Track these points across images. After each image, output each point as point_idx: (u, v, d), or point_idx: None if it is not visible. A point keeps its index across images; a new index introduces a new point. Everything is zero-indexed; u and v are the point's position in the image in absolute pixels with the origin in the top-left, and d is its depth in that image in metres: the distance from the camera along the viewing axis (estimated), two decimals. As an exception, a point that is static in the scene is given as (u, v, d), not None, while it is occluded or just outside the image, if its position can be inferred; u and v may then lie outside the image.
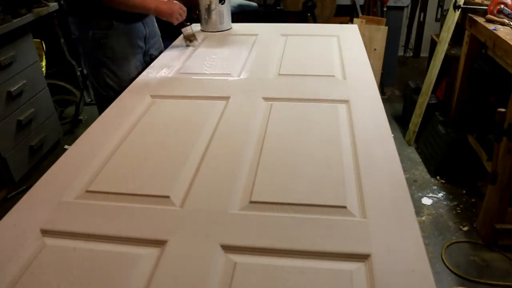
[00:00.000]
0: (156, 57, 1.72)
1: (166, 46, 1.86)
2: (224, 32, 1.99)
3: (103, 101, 1.35)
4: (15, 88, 2.22)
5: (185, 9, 1.72)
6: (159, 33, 1.90)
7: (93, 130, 1.12)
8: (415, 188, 2.31)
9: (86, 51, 1.64)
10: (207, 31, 1.97)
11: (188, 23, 1.75)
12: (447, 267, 1.78)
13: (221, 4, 1.90)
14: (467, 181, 2.30)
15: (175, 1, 1.69)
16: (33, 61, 2.42)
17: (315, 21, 3.02)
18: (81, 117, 3.15)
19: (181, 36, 1.81)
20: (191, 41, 1.77)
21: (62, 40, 2.98)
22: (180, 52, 1.70)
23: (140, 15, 1.68)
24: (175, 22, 1.70)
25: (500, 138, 1.70)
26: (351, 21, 3.20)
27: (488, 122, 2.07)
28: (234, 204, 0.81)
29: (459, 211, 2.11)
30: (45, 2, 2.50)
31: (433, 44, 2.80)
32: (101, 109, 1.28)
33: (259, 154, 0.97)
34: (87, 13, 1.56)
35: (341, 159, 0.94)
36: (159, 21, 1.83)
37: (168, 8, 1.64)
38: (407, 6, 3.52)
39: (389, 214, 0.77)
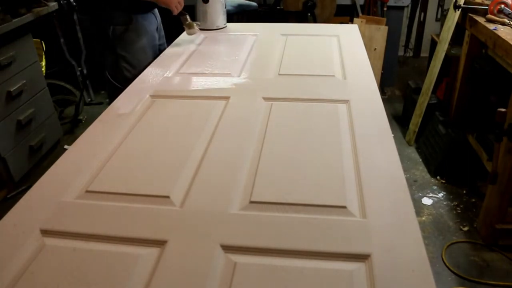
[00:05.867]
0: (164, 48, 1.77)
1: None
2: (224, 32, 1.99)
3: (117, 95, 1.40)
4: (14, 88, 2.22)
5: None
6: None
7: (93, 130, 1.11)
8: (415, 188, 2.31)
9: (105, 47, 1.69)
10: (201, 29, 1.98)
11: (186, 13, 1.77)
12: (447, 267, 1.78)
13: (205, 4, 1.95)
14: (467, 181, 2.30)
15: None
16: (32, 61, 2.42)
17: (315, 21, 3.02)
18: (81, 117, 3.15)
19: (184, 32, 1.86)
20: (190, 28, 1.78)
21: (62, 40, 2.98)
22: (180, 52, 1.70)
23: (151, 7, 1.74)
24: (175, 11, 1.71)
25: (500, 138, 1.70)
26: (351, 21, 3.19)
27: (488, 122, 2.07)
28: (234, 204, 0.81)
29: (459, 211, 2.11)
30: (45, 2, 2.50)
31: (433, 44, 2.80)
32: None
33: (259, 154, 0.97)
34: (106, 10, 1.61)
35: (341, 159, 0.94)
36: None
37: None
38: (407, 6, 3.51)
39: (389, 214, 0.77)
